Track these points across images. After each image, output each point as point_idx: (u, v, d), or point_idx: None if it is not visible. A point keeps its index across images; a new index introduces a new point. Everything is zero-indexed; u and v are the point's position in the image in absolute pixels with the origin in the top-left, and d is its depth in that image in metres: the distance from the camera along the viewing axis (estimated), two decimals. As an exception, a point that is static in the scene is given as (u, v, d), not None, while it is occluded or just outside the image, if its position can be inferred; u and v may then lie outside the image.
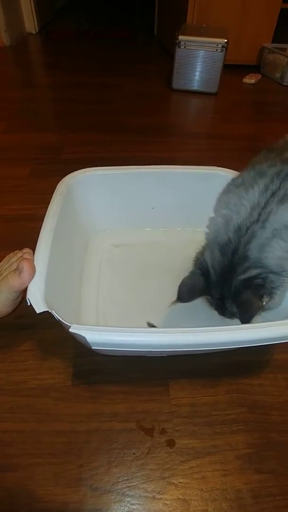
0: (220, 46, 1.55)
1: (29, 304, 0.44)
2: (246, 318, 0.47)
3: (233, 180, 0.56)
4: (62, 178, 0.69)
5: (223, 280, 0.49)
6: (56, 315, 0.43)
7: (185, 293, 0.51)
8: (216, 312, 0.54)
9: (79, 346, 0.45)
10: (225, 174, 0.72)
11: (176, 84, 1.69)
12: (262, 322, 0.45)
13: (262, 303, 0.48)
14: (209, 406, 0.54)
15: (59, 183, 0.67)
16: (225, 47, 1.55)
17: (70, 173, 0.71)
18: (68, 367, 0.57)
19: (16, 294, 0.50)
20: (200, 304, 0.56)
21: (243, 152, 1.22)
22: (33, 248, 0.53)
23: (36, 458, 0.47)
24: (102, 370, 0.57)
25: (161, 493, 0.45)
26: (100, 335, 0.41)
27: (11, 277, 0.47)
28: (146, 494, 0.45)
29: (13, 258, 0.53)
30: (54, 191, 0.65)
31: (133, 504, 0.44)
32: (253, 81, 1.85)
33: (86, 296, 0.67)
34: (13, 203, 0.92)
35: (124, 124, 1.37)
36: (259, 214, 0.47)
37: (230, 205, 0.50)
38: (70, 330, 0.41)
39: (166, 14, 2.27)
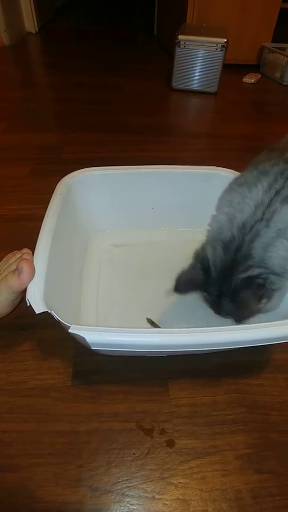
0: (219, 45, 1.55)
1: (28, 304, 0.44)
2: (241, 317, 0.46)
3: (236, 179, 0.56)
4: (61, 178, 0.69)
5: (224, 278, 0.48)
6: (55, 316, 0.43)
7: (183, 285, 0.51)
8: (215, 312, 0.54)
9: (79, 346, 0.45)
10: (225, 174, 0.72)
11: (176, 84, 1.69)
12: (259, 322, 0.45)
13: (260, 304, 0.47)
14: (209, 406, 0.54)
15: (58, 183, 0.67)
16: (224, 47, 1.55)
17: (70, 173, 0.71)
18: (68, 367, 0.57)
19: (16, 295, 0.50)
20: (199, 304, 0.56)
21: (243, 151, 1.22)
22: (32, 248, 0.52)
23: (36, 458, 0.47)
24: (101, 370, 0.57)
25: (160, 493, 0.45)
26: (99, 335, 0.41)
27: (11, 278, 0.47)
28: (146, 494, 0.45)
29: (12, 258, 0.53)
30: (53, 191, 0.65)
31: (132, 505, 0.44)
32: (252, 80, 1.85)
33: (86, 296, 0.67)
34: (12, 203, 0.92)
35: (124, 124, 1.37)
36: (263, 213, 0.46)
37: (233, 204, 0.50)
38: (70, 330, 0.41)
39: (166, 14, 2.27)
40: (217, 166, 0.76)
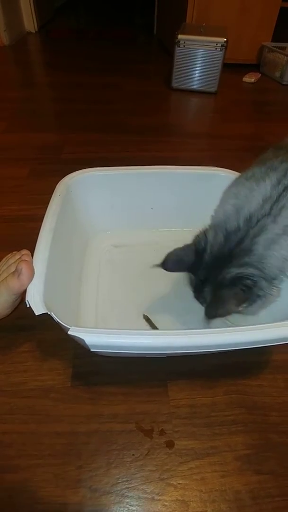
0: (219, 45, 1.55)
1: (28, 306, 0.44)
2: (214, 313, 0.46)
3: (242, 174, 0.55)
4: (61, 178, 0.69)
5: (215, 265, 0.47)
6: (55, 317, 0.43)
7: (171, 262, 0.50)
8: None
9: (78, 347, 0.45)
10: (225, 175, 0.72)
11: (175, 84, 1.69)
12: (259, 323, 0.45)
13: (239, 307, 0.47)
14: (208, 407, 0.54)
15: (58, 184, 0.67)
16: (224, 46, 1.55)
17: (69, 173, 0.71)
18: (67, 368, 0.57)
19: (16, 296, 0.50)
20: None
21: (243, 151, 1.22)
22: (32, 248, 0.52)
23: (36, 459, 0.48)
24: (101, 371, 0.57)
25: (160, 494, 0.45)
26: (98, 337, 0.41)
27: (10, 280, 0.47)
28: (145, 495, 0.45)
29: (11, 259, 0.53)
30: (53, 191, 0.65)
31: (132, 505, 0.44)
32: (252, 80, 1.85)
33: (85, 297, 0.67)
34: (12, 204, 0.92)
35: (124, 124, 1.37)
36: (271, 208, 0.45)
37: (240, 196, 0.49)
38: (69, 332, 0.41)
39: (166, 14, 2.26)
40: (217, 166, 0.76)
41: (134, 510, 0.44)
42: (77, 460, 0.48)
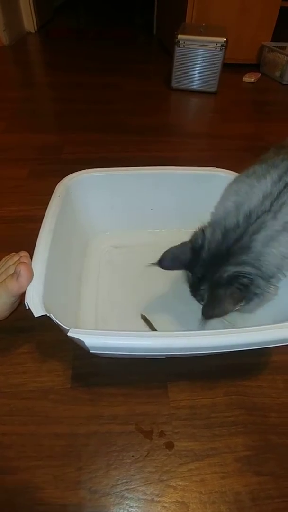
0: (219, 45, 1.55)
1: (27, 308, 0.44)
2: (209, 313, 0.45)
3: (243, 172, 0.54)
4: (61, 179, 0.69)
5: (213, 262, 0.47)
6: (54, 319, 0.43)
7: (167, 260, 0.50)
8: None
9: (78, 348, 0.45)
10: (225, 175, 0.72)
11: (175, 84, 1.69)
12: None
13: (236, 307, 0.46)
14: (208, 408, 0.54)
15: (58, 185, 0.67)
16: (224, 46, 1.55)
17: (69, 173, 0.71)
18: (67, 369, 0.57)
19: (15, 298, 0.50)
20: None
21: (243, 151, 1.21)
22: (31, 249, 0.52)
23: (35, 461, 0.47)
24: (101, 373, 0.57)
25: (160, 495, 0.45)
26: (98, 339, 0.41)
27: (9, 282, 0.47)
28: (145, 497, 0.45)
29: (10, 261, 0.53)
30: (53, 192, 0.65)
31: (132, 507, 0.44)
32: (252, 80, 1.84)
33: (85, 298, 0.67)
34: (12, 204, 0.91)
35: (124, 124, 1.37)
36: (272, 204, 0.45)
37: (241, 193, 0.49)
38: (69, 334, 0.41)
39: (166, 14, 2.26)
40: (217, 166, 0.75)
41: (133, 512, 0.44)
42: (76, 462, 0.48)
